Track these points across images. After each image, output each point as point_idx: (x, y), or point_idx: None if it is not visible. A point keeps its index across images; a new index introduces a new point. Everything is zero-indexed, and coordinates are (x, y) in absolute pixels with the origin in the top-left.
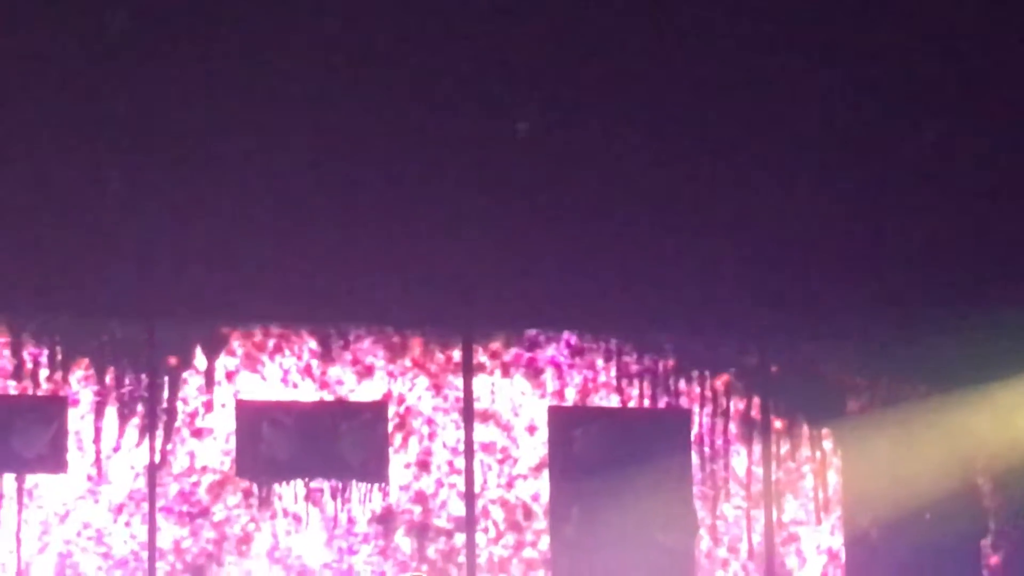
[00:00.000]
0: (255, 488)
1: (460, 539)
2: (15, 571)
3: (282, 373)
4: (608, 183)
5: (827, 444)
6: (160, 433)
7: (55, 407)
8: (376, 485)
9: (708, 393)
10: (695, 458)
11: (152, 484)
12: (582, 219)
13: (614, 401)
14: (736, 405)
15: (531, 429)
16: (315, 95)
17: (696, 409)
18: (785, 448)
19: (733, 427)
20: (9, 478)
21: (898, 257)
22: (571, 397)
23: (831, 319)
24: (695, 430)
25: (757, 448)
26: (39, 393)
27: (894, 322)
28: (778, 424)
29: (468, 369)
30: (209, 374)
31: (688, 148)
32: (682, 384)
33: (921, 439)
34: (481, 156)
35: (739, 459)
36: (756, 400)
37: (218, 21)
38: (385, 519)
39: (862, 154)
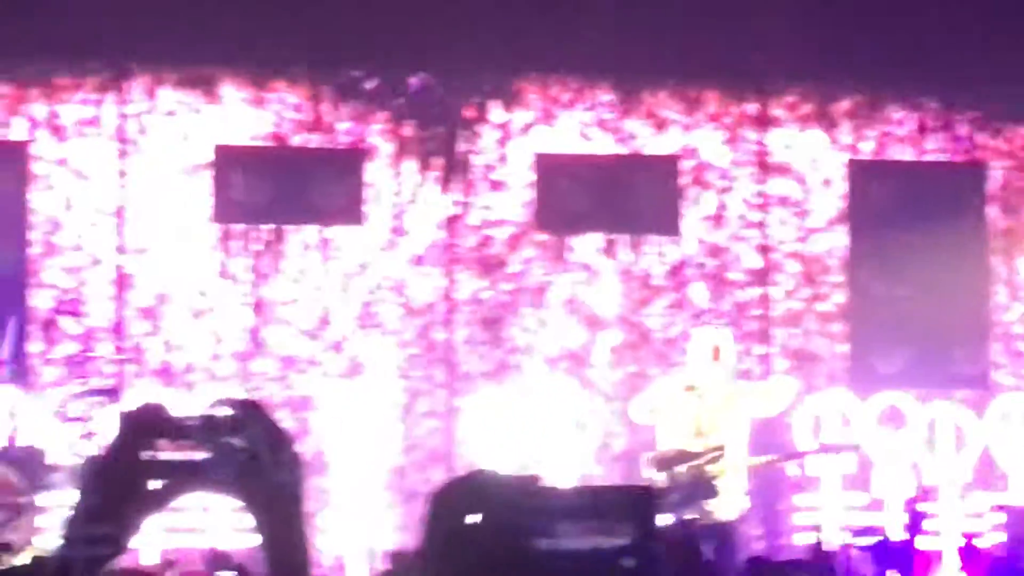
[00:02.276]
0: (551, 240)
1: (755, 292)
2: (316, 320)
3: (579, 126)
4: None
5: None
6: (458, 185)
7: (354, 159)
8: (671, 238)
9: (1006, 147)
10: (992, 212)
11: (450, 236)
12: None
13: (911, 155)
14: None
15: (827, 183)
16: None
17: (994, 163)
18: None
19: None
20: (311, 229)
21: None
22: (868, 150)
23: None
24: (992, 184)
25: None
26: (338, 146)
27: None
28: None
29: (763, 122)
30: (506, 127)
31: None
32: (980, 138)
33: None
34: None
35: None
36: None
37: None
38: (680, 272)
39: None
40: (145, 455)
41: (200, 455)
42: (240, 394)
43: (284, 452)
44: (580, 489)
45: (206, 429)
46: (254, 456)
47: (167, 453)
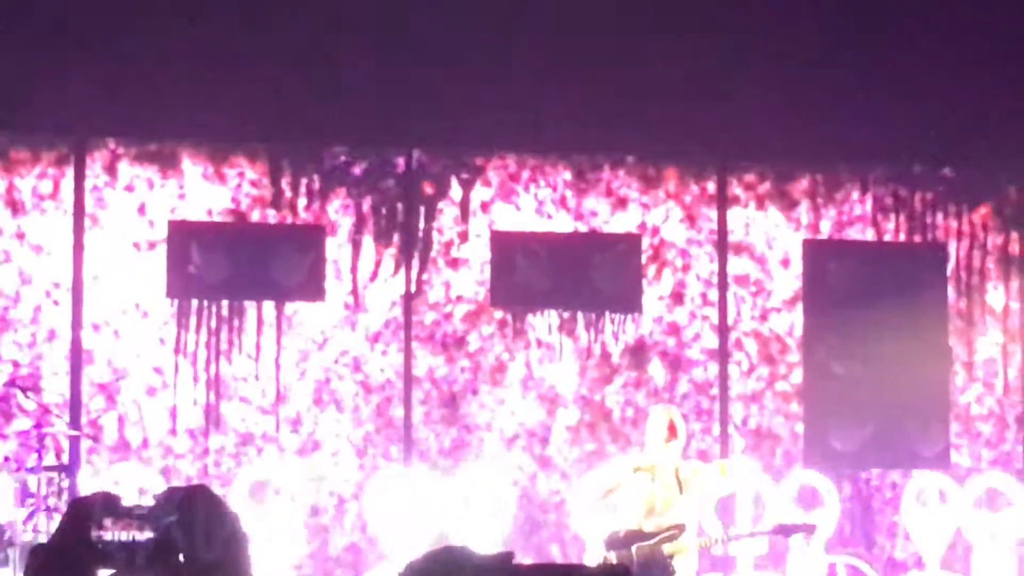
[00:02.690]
0: (509, 318)
1: (713, 371)
2: (274, 396)
3: (537, 204)
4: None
5: None
6: (416, 263)
7: (314, 236)
8: (629, 316)
9: (965, 227)
10: (951, 293)
11: (408, 313)
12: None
13: (869, 235)
14: (994, 240)
15: (785, 262)
16: None
17: (953, 243)
18: None
19: (990, 262)
20: (268, 305)
21: None
22: (826, 230)
23: None
24: (951, 264)
25: (1015, 283)
26: (298, 222)
27: None
28: None
29: (723, 201)
30: (464, 204)
31: None
32: (939, 218)
33: None
34: None
35: (996, 294)
36: (1014, 235)
37: None
38: (638, 350)
39: None
40: (92, 536)
41: (146, 536)
42: (189, 479)
43: (231, 533)
44: (555, 568)
45: (153, 513)
46: (199, 537)
47: (113, 534)
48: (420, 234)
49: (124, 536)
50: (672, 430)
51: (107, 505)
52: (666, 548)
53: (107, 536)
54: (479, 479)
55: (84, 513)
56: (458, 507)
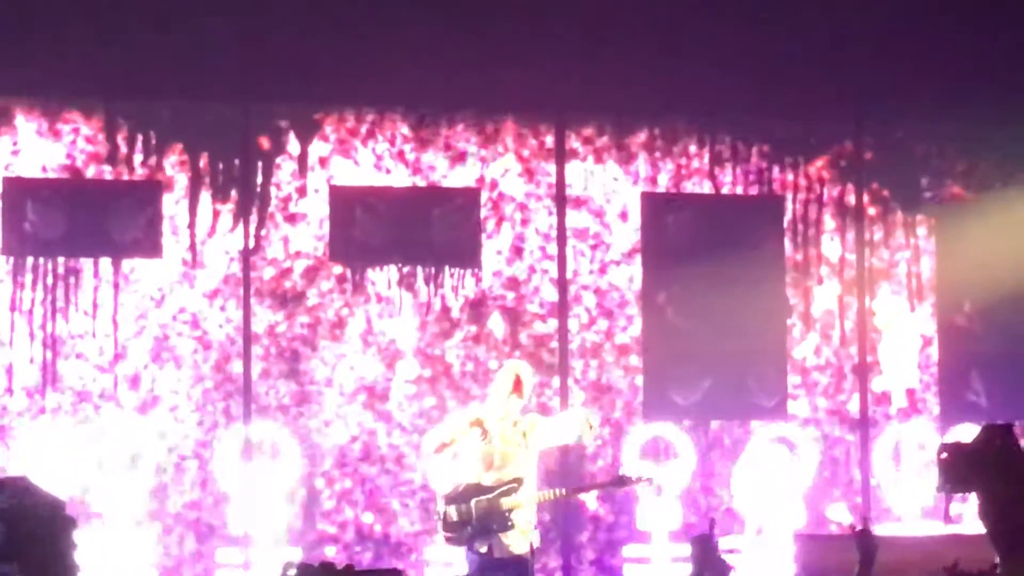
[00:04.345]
0: (348, 273)
1: (553, 325)
2: (112, 354)
3: (375, 159)
4: None
5: (921, 231)
6: (254, 218)
7: (150, 192)
8: (469, 271)
9: (802, 180)
10: (788, 245)
11: (246, 269)
12: (678, 3)
13: (707, 188)
14: (830, 191)
15: (623, 215)
16: None
17: (789, 195)
18: (879, 234)
19: (827, 214)
20: (106, 262)
21: (1002, 36)
22: (664, 183)
23: (927, 102)
24: (788, 216)
25: (851, 234)
26: (134, 178)
27: (995, 105)
28: (872, 210)
29: (561, 155)
30: (302, 159)
31: None
32: (776, 171)
33: (1019, 225)
34: None
35: (832, 245)
36: (850, 186)
37: None
38: (477, 305)
39: None
40: None
41: None
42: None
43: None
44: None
45: None
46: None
47: None
48: (258, 189)
49: None
50: (518, 385)
51: None
52: (504, 502)
53: None
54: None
55: None
56: None
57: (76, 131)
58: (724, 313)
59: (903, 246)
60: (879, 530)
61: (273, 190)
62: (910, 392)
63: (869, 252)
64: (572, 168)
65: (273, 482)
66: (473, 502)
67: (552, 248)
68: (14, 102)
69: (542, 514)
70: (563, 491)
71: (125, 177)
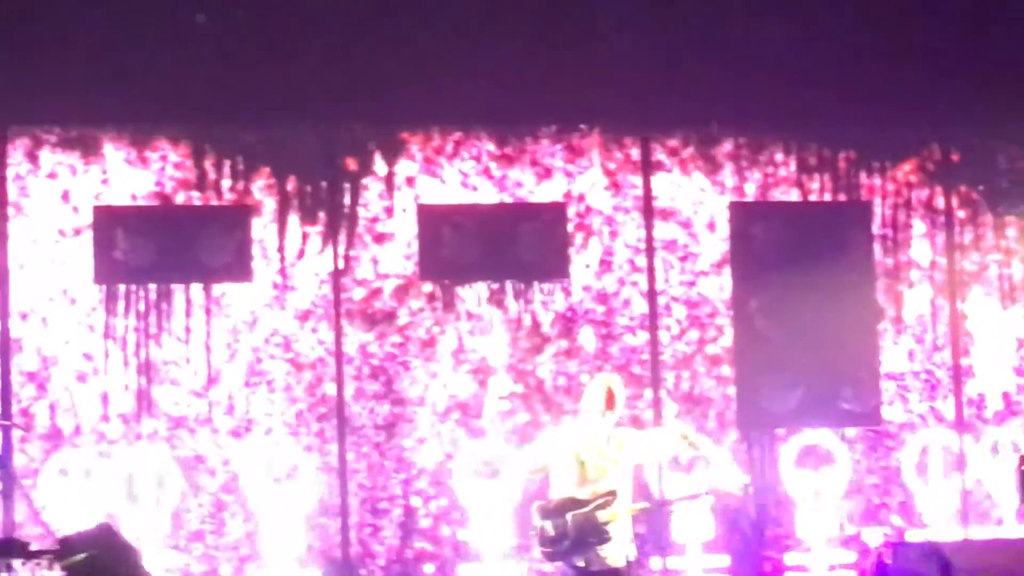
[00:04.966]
0: (438, 291)
1: (643, 337)
2: (206, 379)
3: (461, 176)
4: None
5: (1011, 232)
6: (343, 239)
7: (239, 216)
8: (558, 285)
9: (890, 184)
10: (877, 250)
11: (337, 290)
12: (760, 14)
13: (794, 195)
14: (918, 195)
15: (711, 226)
16: None
17: (877, 201)
18: (969, 237)
19: (916, 218)
20: (197, 288)
21: None
22: (751, 192)
23: (1013, 102)
24: (877, 221)
25: (940, 238)
26: (223, 203)
27: None
28: (961, 213)
29: (647, 167)
30: (389, 179)
31: None
32: (863, 176)
33: None
34: None
35: (922, 249)
36: (939, 189)
37: None
38: (568, 319)
39: None
40: None
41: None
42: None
43: (134, 569)
44: None
45: (59, 552)
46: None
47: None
48: (346, 211)
49: None
50: (610, 400)
51: (10, 549)
52: (601, 515)
53: None
54: None
55: None
56: None
57: (164, 158)
58: (815, 320)
59: (993, 248)
60: (979, 533)
61: (361, 211)
62: (1005, 395)
63: (959, 255)
64: (658, 180)
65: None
66: (569, 516)
67: (641, 260)
68: (102, 132)
69: (637, 526)
70: (659, 502)
71: (214, 202)
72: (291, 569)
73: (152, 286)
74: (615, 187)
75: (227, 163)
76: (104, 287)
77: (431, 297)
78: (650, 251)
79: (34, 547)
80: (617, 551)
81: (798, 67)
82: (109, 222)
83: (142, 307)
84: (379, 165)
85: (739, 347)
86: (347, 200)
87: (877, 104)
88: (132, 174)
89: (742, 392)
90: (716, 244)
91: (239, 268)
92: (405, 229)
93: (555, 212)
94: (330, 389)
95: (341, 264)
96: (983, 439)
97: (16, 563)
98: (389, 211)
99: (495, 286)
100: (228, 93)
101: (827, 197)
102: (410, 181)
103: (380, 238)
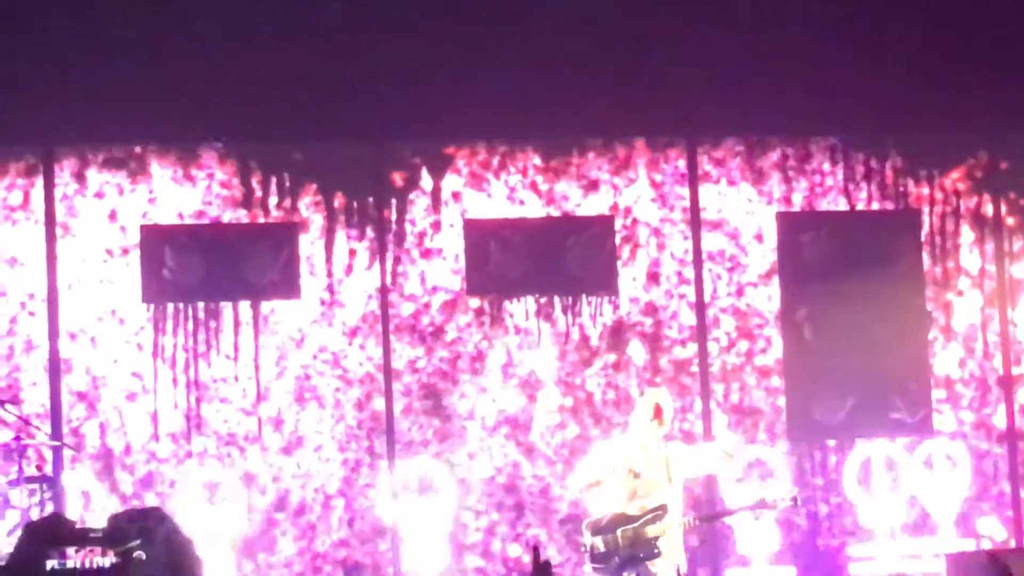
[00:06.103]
0: (486, 306)
1: (692, 349)
2: (255, 396)
3: (508, 191)
4: None
5: None
6: (390, 255)
7: (286, 233)
8: (606, 298)
9: (938, 193)
10: (926, 258)
11: (384, 306)
12: (803, 22)
13: (842, 205)
14: (967, 203)
15: (759, 236)
16: None
17: (926, 209)
18: (1018, 245)
19: (964, 226)
20: (244, 305)
21: None
22: (798, 203)
23: None
24: (925, 230)
25: (989, 246)
26: (270, 220)
27: None
28: (1010, 221)
29: (693, 178)
30: (435, 194)
31: None
32: (911, 184)
33: None
34: None
35: (971, 257)
36: (987, 197)
37: None
38: (616, 332)
39: None
40: (50, 563)
41: (105, 562)
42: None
43: (186, 557)
44: None
45: (110, 537)
46: (157, 562)
47: (75, 562)
48: (393, 226)
49: (86, 563)
50: (658, 413)
51: (61, 529)
52: (650, 530)
53: (69, 564)
54: None
55: (38, 538)
56: None
57: (210, 176)
58: (864, 330)
59: None
60: None
61: (408, 226)
62: None
63: (1009, 262)
64: (705, 191)
65: (424, 518)
66: (619, 532)
67: (688, 272)
68: (149, 151)
69: (692, 539)
70: (708, 516)
71: (260, 220)
72: None
73: (200, 304)
74: (662, 199)
75: (274, 180)
76: (152, 306)
77: (479, 312)
78: (698, 263)
79: (81, 528)
80: (667, 566)
81: (844, 74)
82: (157, 241)
83: (190, 326)
84: (425, 180)
85: (788, 358)
86: (394, 216)
87: (925, 112)
88: (179, 192)
89: (792, 403)
90: (764, 255)
91: (287, 285)
92: (452, 244)
93: (602, 225)
94: (379, 405)
95: (389, 280)
96: None
97: (70, 550)
98: (436, 226)
99: (543, 300)
100: (274, 110)
101: (875, 206)
102: (456, 196)
103: (427, 253)
